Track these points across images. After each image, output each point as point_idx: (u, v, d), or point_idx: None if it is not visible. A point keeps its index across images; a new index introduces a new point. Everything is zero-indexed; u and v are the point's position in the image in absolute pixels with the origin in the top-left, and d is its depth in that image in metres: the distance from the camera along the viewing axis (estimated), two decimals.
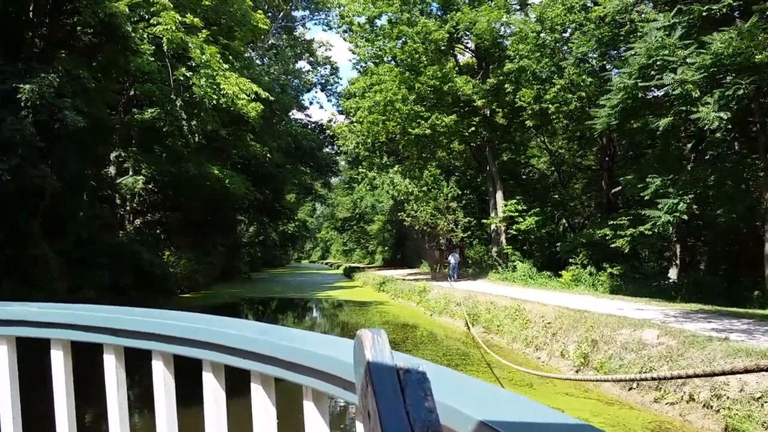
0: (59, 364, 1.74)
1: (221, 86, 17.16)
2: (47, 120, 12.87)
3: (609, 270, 19.19)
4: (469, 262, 30.58)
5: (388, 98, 23.58)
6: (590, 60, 17.06)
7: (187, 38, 16.54)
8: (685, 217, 12.77)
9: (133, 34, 14.94)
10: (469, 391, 0.93)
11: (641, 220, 18.94)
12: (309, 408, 1.26)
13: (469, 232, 32.33)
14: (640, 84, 13.02)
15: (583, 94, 18.70)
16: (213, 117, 19.00)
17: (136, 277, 21.57)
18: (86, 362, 2.10)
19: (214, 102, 17.21)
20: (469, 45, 27.28)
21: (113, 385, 1.65)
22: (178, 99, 16.98)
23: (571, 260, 20.05)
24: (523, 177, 31.34)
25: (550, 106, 19.01)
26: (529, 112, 20.43)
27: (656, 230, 13.56)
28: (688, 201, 12.65)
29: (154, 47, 15.63)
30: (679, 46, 12.68)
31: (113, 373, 1.66)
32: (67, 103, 13.18)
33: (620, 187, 15.27)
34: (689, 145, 14.98)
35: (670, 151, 15.05)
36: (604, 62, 17.98)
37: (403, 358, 0.76)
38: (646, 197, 13.59)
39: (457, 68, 26.84)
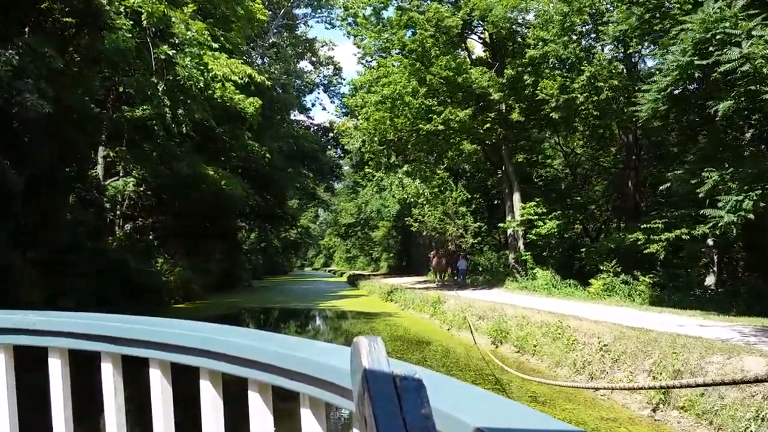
0: (57, 373, 1.73)
1: (209, 67, 15.39)
2: (3, 105, 11.05)
3: (643, 278, 17.28)
4: (480, 269, 28.69)
5: (397, 91, 21.78)
6: (630, 41, 15.20)
7: (170, 12, 14.79)
8: (751, 216, 10.90)
9: (108, 8, 13.21)
10: (466, 398, 0.91)
11: (674, 224, 17.20)
12: (306, 415, 1.24)
13: (479, 238, 30.61)
14: (696, 62, 11.27)
15: (616, 82, 16.87)
16: (202, 105, 17.22)
17: (123, 287, 19.88)
18: (84, 371, 2.03)
19: (201, 85, 15.46)
20: (482, 36, 25.54)
21: (111, 393, 1.63)
22: (161, 83, 15.23)
23: (602, 268, 18.10)
24: (538, 180, 29.48)
25: (579, 95, 17.15)
26: (553, 104, 18.58)
27: (718, 232, 11.71)
28: (754, 198, 10.80)
29: (131, 22, 13.88)
30: (741, 18, 10.95)
31: (111, 381, 1.63)
32: (28, 85, 11.38)
33: (668, 185, 13.36)
34: (748, 134, 13.09)
35: (727, 141, 13.15)
36: (640, 47, 16.18)
37: (400, 365, 0.70)
38: (701, 194, 11.73)
39: (470, 62, 25.10)
